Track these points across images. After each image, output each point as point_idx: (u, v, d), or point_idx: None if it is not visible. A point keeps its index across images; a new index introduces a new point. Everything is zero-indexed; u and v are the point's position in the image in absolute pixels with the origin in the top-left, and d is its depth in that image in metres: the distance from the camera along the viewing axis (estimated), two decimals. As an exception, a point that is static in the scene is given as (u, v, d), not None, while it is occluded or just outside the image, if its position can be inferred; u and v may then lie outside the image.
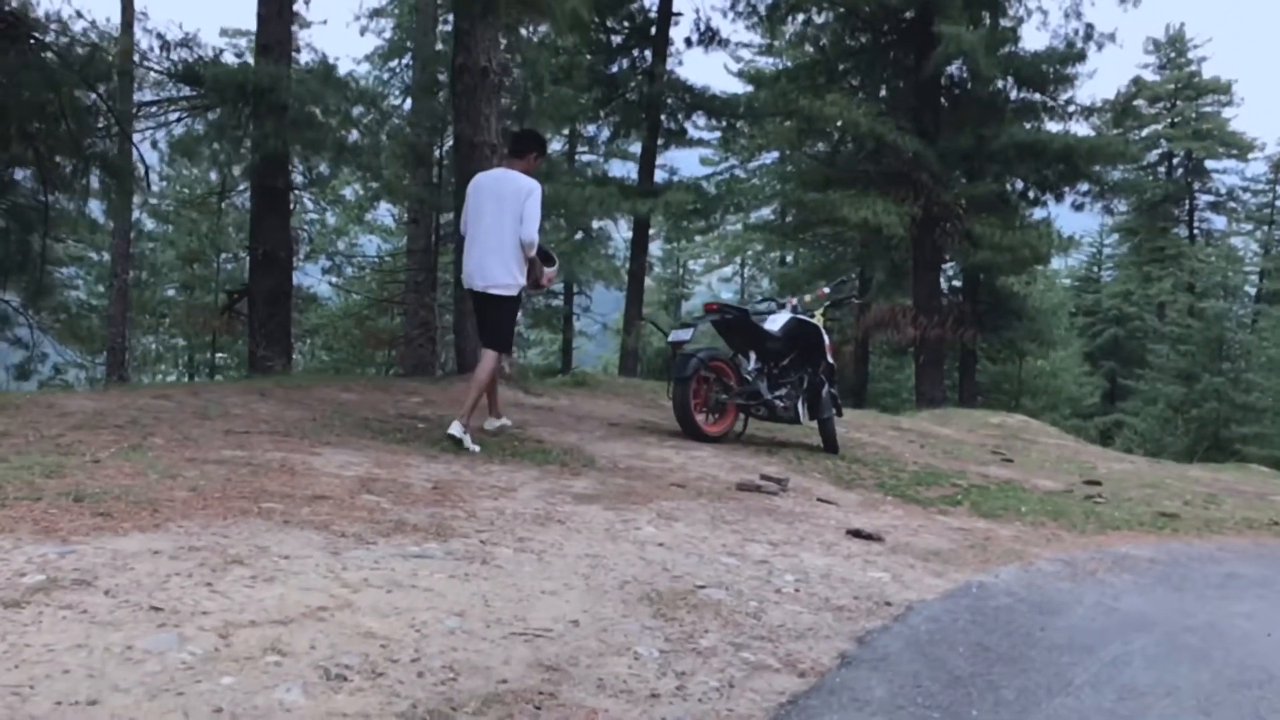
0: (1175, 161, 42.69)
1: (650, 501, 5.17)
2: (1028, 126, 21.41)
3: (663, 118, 21.00)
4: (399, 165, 17.34)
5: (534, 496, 4.87)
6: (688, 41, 21.39)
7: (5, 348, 25.76)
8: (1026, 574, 4.78)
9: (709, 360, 8.16)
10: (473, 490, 4.78)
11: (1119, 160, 21.50)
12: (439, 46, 19.31)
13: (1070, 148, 19.98)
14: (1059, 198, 21.89)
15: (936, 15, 19.55)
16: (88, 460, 4.28)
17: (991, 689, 2.84)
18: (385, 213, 31.31)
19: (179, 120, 15.09)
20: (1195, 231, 42.84)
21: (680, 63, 21.96)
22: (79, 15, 13.64)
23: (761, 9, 21.64)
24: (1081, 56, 20.51)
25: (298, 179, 33.29)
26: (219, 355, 27.92)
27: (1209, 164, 42.47)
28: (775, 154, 31.66)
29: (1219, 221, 43.21)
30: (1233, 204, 42.81)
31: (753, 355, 8.37)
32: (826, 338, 8.83)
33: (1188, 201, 42.73)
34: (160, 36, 14.95)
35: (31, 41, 10.01)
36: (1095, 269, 44.24)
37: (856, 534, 5.07)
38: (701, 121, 23.80)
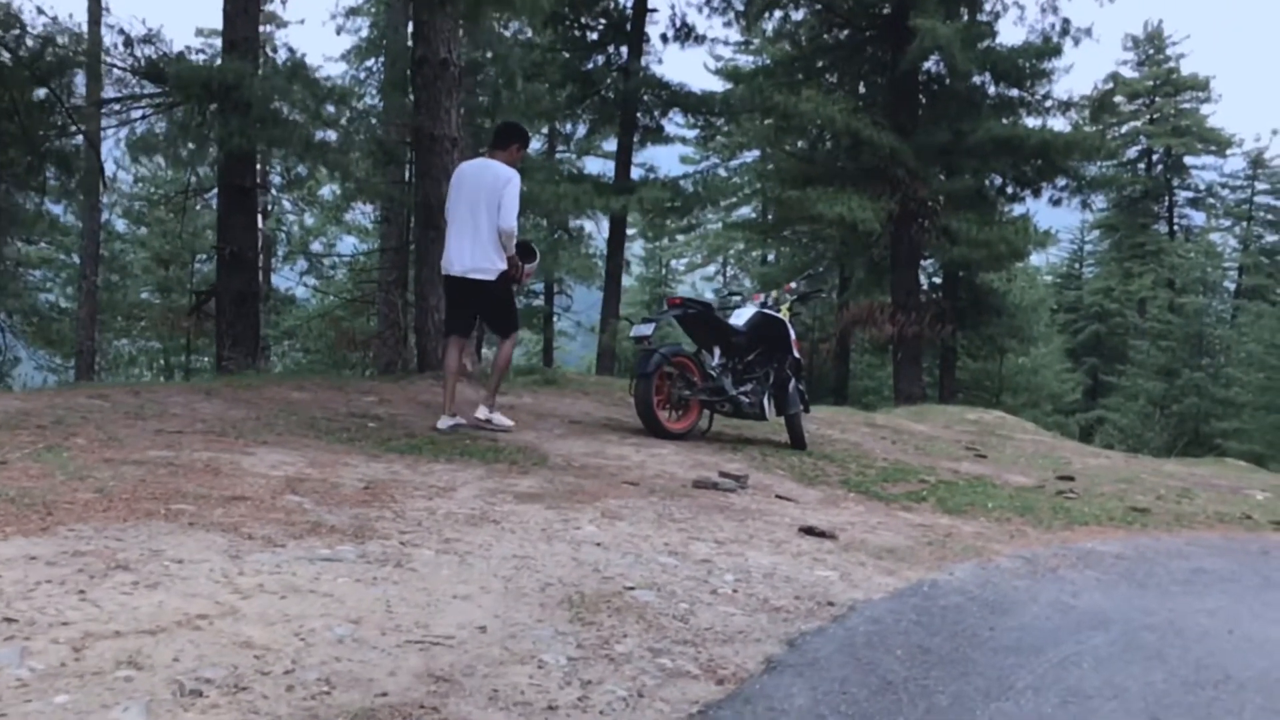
0: (1155, 158, 42.74)
1: (597, 500, 4.98)
2: (1005, 122, 21.29)
3: (639, 114, 20.80)
4: (370, 163, 17.10)
5: (473, 496, 4.68)
6: (664, 38, 21.22)
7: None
8: (983, 571, 4.61)
9: (672, 356, 7.98)
10: (407, 490, 4.59)
11: (1096, 155, 21.39)
12: (410, 43, 19.10)
13: (1047, 142, 19.87)
14: (1036, 193, 21.78)
15: (912, 9, 19.43)
16: (-6, 461, 4.07)
17: (925, 694, 2.67)
18: (361, 213, 31.04)
19: (142, 118, 14.83)
20: (1175, 227, 42.91)
21: (660, 61, 21.93)
22: (40, 11, 13.39)
23: (738, 4, 21.48)
24: (1058, 51, 20.42)
25: (275, 180, 33.12)
26: (193, 357, 27.58)
27: (1188, 160, 42.56)
28: (756, 152, 31.57)
29: (1198, 217, 43.35)
30: (1211, 200, 42.93)
31: (717, 350, 8.19)
32: (792, 332, 8.66)
33: (1167, 198, 42.79)
34: (123, 32, 14.67)
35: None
36: (1076, 265, 44.29)
37: (809, 531, 4.89)
38: (680, 119, 23.66)
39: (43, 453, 4.34)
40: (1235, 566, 5.70)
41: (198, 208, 25.70)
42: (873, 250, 23.85)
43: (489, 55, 16.44)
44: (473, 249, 6.72)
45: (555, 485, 5.27)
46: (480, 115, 16.40)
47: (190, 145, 14.50)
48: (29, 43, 10.24)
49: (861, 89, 23.75)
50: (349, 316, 27.07)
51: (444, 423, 6.94)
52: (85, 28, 17.33)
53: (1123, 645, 3.57)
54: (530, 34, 21.19)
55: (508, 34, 18.58)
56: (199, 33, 33.38)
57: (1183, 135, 40.90)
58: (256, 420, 6.19)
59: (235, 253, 14.08)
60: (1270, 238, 41.64)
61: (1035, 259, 37.10)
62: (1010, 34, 33.94)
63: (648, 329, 7.98)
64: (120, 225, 27.95)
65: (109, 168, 25.30)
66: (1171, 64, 41.79)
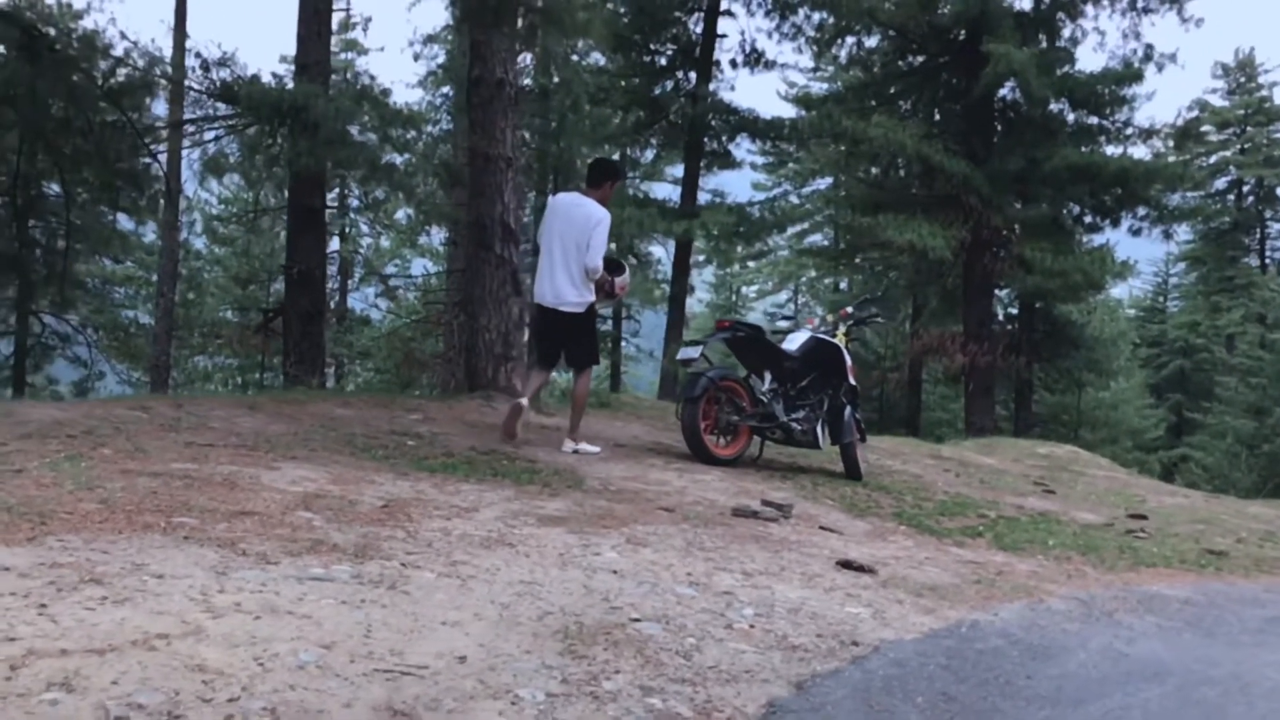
0: (1245, 189, 41.30)
1: (625, 525, 4.80)
2: (1084, 150, 20.69)
3: (706, 140, 20.66)
4: (436, 184, 17.24)
5: (494, 517, 4.53)
6: (733, 63, 21.04)
7: (65, 365, 26.21)
8: (1031, 613, 4.32)
9: (720, 380, 7.77)
10: (427, 510, 4.45)
11: (1177, 183, 20.68)
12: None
13: (1125, 170, 19.25)
14: (1115, 223, 21.09)
15: (986, 35, 19.03)
16: (9, 470, 4.02)
17: (940, 749, 2.43)
18: (435, 237, 31.39)
19: (215, 139, 15.14)
20: (1266, 261, 41.34)
21: (733, 88, 21.73)
22: (123, 35, 13.73)
23: (809, 30, 21.28)
24: (1139, 77, 19.81)
25: (353, 203, 33.67)
26: (267, 375, 28.06)
27: (1284, 191, 41.02)
28: (829, 179, 31.22)
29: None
30: (1306, 232, 41.31)
31: (768, 375, 7.96)
32: (849, 358, 8.39)
33: (1258, 230, 41.29)
34: (199, 55, 15.01)
35: (54, 54, 10.01)
36: (1161, 299, 42.93)
37: (846, 565, 4.64)
38: (749, 145, 23.44)
39: (61, 462, 4.30)
40: (1316, 617, 5.29)
41: (276, 229, 26.22)
42: (946, 279, 23.35)
43: (556, 80, 16.51)
44: (563, 282, 7.08)
45: (584, 509, 5.09)
46: (547, 139, 16.49)
47: (259, 164, 14.78)
48: (102, 64, 10.46)
49: (936, 116, 23.35)
50: (418, 338, 27.33)
51: (568, 447, 7.32)
52: (168, 53, 17.76)
53: (1177, 700, 3.27)
54: (601, 59, 21.28)
55: (576, 59, 18.65)
56: (282, 59, 34.22)
57: (1275, 166, 39.49)
58: (293, 435, 6.13)
59: (303, 271, 14.25)
60: (1368, 272, 39.90)
61: (1117, 291, 36.10)
62: (1090, 60, 32.98)
63: (694, 352, 7.79)
64: (199, 244, 28.61)
65: (190, 188, 26.01)
66: (1264, 92, 40.44)
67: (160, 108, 16.43)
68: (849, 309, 8.92)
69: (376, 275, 27.67)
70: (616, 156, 24.60)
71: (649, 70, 21.04)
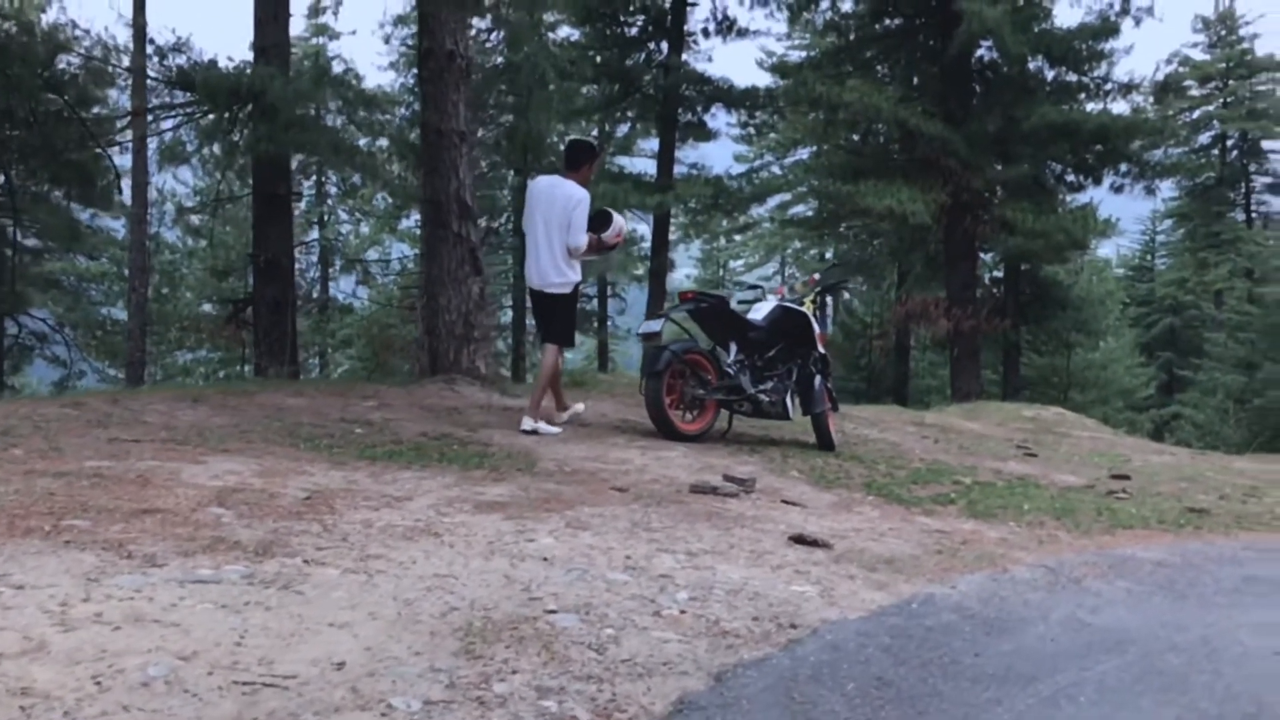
0: (1229, 143, 40.97)
1: (570, 509, 4.57)
2: (1063, 108, 20.38)
3: (680, 111, 20.32)
4: (404, 166, 16.93)
5: (427, 506, 4.30)
6: (705, 31, 20.68)
7: (45, 365, 25.87)
8: (993, 583, 4.10)
9: (684, 353, 7.53)
10: (355, 501, 4.22)
11: (1157, 138, 20.40)
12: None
13: (1105, 126, 18.95)
14: (1097, 180, 20.81)
15: (961, -8, 18.68)
16: (-102, 475, 3.78)
17: (861, 744, 2.21)
18: (415, 220, 31.03)
19: (174, 128, 14.79)
20: (1253, 215, 41.08)
21: (710, 59, 21.27)
22: (73, 25, 13.41)
23: (779, -5, 20.90)
24: (1115, 30, 19.47)
25: (331, 190, 33.13)
26: (247, 367, 27.77)
27: (1265, 144, 40.66)
28: (811, 149, 30.83)
29: (1277, 203, 41.38)
30: (1292, 184, 41.00)
31: (733, 346, 7.72)
32: (817, 326, 8.15)
33: (1244, 184, 41.00)
34: (153, 42, 14.69)
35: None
36: (1148, 257, 42.69)
37: (800, 540, 4.42)
38: (727, 118, 23.08)
39: (-39, 465, 4.06)
40: (1296, 574, 5.10)
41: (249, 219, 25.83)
42: (929, 244, 23.09)
43: (524, 52, 16.14)
44: (548, 263, 7.20)
45: (528, 493, 4.86)
46: (518, 116, 16.11)
47: (218, 152, 14.45)
48: (40, 51, 10.14)
49: (914, 80, 23.00)
50: (398, 324, 27.01)
51: (560, 416, 7.51)
52: (125, 42, 17.33)
53: (1138, 671, 3.05)
54: (573, 33, 20.89)
55: (544, 33, 18.27)
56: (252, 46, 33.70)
57: (1259, 119, 39.15)
58: (233, 428, 5.89)
59: (269, 260, 13.96)
60: (1356, 222, 39.66)
61: (1105, 250, 35.83)
62: (1067, 16, 32.33)
63: (656, 325, 7.57)
64: (172, 236, 28.23)
65: (164, 179, 25.57)
66: (1245, 45, 40.05)
67: (125, 99, 16.09)
68: (816, 276, 8.68)
69: (354, 262, 27.31)
70: (595, 133, 24.29)
71: (620, 41, 20.67)
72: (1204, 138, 40.49)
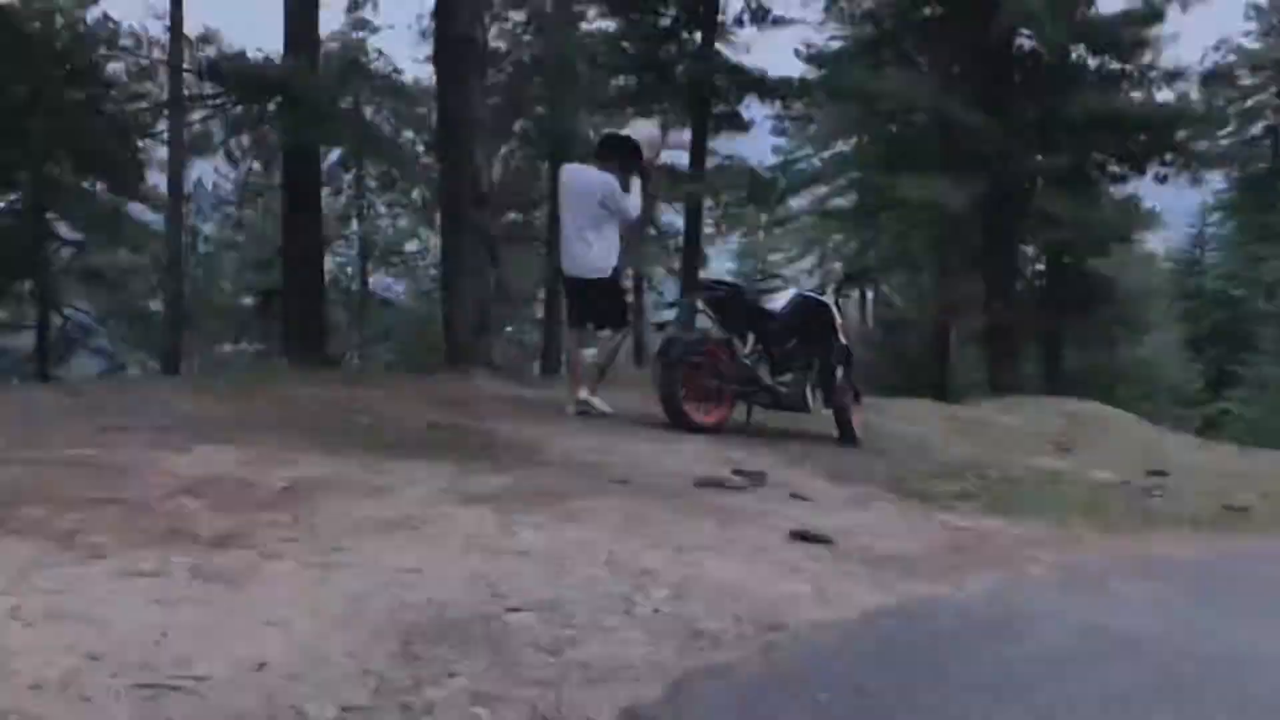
0: (1282, 133, 39.83)
1: (562, 501, 4.38)
2: (1107, 97, 19.83)
3: (712, 101, 20.03)
4: (431, 157, 16.87)
5: (414, 498, 4.13)
6: (739, 21, 20.37)
7: (88, 358, 26.22)
8: (1004, 585, 3.86)
9: (699, 343, 7.33)
10: (336, 492, 4.07)
11: (1204, 126, 19.81)
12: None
13: (1149, 115, 18.44)
14: (1141, 171, 20.24)
15: (998, -21, 18.26)
16: None
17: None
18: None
19: (204, 119, 14.82)
20: (1307, 206, 39.92)
21: (748, 50, 20.85)
22: (105, 17, 13.46)
23: (816, -17, 20.57)
24: (1159, 16, 18.92)
25: (370, 184, 33.23)
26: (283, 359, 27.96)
27: (1320, 135, 39.46)
28: (851, 140, 30.37)
29: (1330, 196, 40.14)
30: (1348, 176, 39.73)
31: (750, 337, 7.51)
32: (839, 317, 7.92)
33: (1297, 175, 39.83)
34: (185, 36, 14.68)
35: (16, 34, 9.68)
36: (1198, 250, 41.69)
37: (801, 536, 4.20)
38: (761, 108, 22.72)
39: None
40: (1338, 577, 4.80)
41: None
42: (967, 236, 22.63)
43: (551, 43, 16.05)
44: (585, 251, 7.20)
45: (524, 485, 4.68)
46: (538, 105, 16.00)
47: (246, 143, 14.46)
48: (57, 44, 10.13)
49: (953, 69, 22.54)
50: (436, 316, 27.01)
51: (570, 409, 7.38)
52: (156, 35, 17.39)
53: (1150, 680, 2.81)
54: (609, 25, 20.67)
55: (575, 23, 18.14)
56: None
57: (1314, 108, 38.02)
58: (231, 418, 5.78)
59: (299, 251, 13.95)
60: None
61: (1153, 243, 34.99)
62: (1111, 2, 31.25)
63: (670, 314, 7.39)
64: (209, 228, 28.48)
65: (202, 170, 25.74)
66: (1299, 32, 38.89)
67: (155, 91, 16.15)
68: (838, 265, 8.45)
69: (390, 254, 27.37)
70: (627, 128, 24.06)
71: (652, 32, 20.41)
72: (1256, 128, 39.39)
